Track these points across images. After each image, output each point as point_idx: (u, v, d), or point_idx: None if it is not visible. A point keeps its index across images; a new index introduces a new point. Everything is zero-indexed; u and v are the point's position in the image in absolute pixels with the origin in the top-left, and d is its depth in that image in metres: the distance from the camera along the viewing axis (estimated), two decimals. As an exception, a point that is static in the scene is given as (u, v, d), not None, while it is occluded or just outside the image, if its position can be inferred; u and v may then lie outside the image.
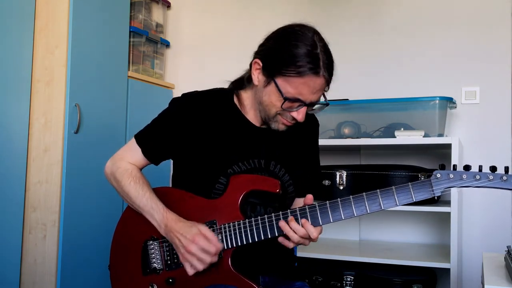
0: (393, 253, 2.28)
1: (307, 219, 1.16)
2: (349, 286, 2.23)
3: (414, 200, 1.10)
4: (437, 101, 2.21)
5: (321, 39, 1.19)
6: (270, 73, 1.20)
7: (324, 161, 2.60)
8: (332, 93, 2.48)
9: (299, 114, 1.21)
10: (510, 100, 2.38)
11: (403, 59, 2.59)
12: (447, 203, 2.17)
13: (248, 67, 1.31)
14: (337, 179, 2.30)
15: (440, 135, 2.21)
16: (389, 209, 1.12)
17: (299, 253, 2.05)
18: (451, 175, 1.08)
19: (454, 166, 1.10)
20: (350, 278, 2.23)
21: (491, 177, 1.06)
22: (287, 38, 1.19)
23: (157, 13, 2.92)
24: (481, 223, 2.41)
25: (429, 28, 2.54)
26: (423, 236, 2.53)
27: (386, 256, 2.22)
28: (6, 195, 2.04)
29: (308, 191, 1.31)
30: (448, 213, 2.08)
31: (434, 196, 1.09)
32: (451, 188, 1.09)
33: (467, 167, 1.08)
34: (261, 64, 1.23)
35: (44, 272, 2.09)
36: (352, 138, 2.31)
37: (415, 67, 2.56)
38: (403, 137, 2.19)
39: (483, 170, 1.08)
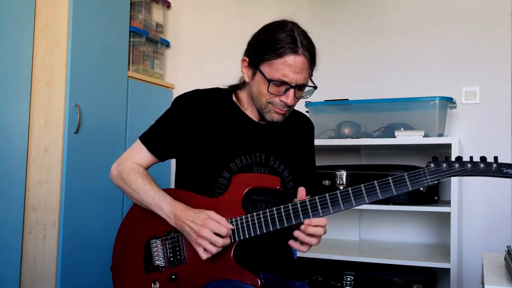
0: (393, 253, 2.28)
1: (309, 215, 1.18)
2: (349, 286, 2.23)
3: (410, 189, 1.15)
4: (437, 101, 2.20)
5: (300, 27, 1.26)
6: (255, 64, 1.26)
7: (324, 161, 2.61)
8: (332, 93, 2.49)
9: (288, 98, 1.25)
10: (510, 100, 2.38)
11: (403, 59, 2.58)
12: (447, 203, 2.17)
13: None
14: (337, 179, 2.30)
15: (440, 135, 2.21)
16: (386, 196, 1.17)
17: (299, 253, 2.05)
18: (444, 165, 1.13)
19: (446, 157, 1.15)
20: (350, 278, 2.23)
21: (481, 165, 1.11)
22: (267, 29, 1.28)
23: (157, 13, 2.92)
24: (481, 223, 2.41)
25: (429, 28, 2.54)
26: (423, 236, 2.53)
27: (386, 256, 2.22)
28: (6, 195, 2.04)
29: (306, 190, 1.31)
30: (448, 213, 2.08)
31: (428, 185, 1.14)
32: (450, 178, 1.12)
33: (458, 158, 1.13)
34: (247, 60, 1.29)
35: (44, 272, 2.09)
36: (352, 138, 2.31)
37: (415, 67, 2.56)
38: (403, 137, 2.19)
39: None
